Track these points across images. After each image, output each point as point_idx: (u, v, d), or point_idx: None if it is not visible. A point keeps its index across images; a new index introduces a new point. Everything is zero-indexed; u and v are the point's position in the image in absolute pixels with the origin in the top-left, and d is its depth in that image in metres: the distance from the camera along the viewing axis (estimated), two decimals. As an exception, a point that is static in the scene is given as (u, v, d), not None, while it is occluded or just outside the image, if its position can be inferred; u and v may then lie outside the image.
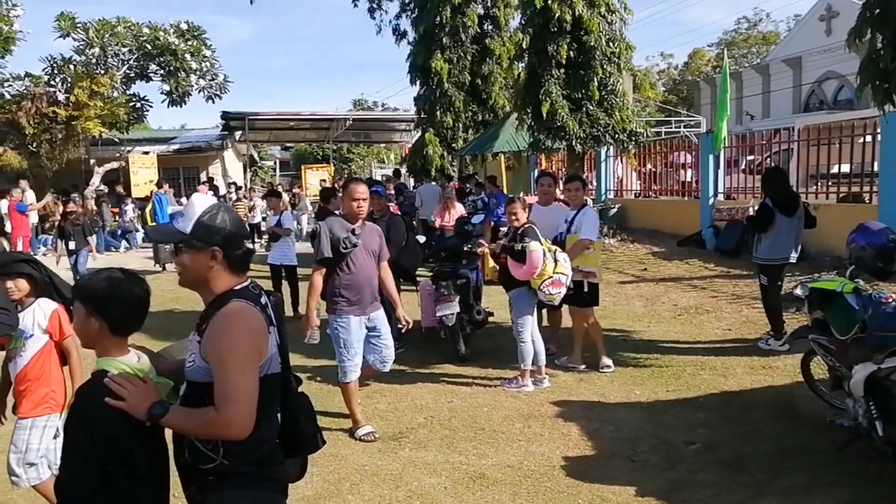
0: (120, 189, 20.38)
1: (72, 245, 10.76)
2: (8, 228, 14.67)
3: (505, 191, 14.43)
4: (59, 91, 19.95)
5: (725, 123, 11.61)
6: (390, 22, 19.65)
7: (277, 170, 42.58)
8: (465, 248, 7.12)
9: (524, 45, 12.53)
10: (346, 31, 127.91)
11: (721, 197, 12.04)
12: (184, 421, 2.01)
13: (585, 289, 6.07)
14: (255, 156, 33.53)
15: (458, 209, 11.28)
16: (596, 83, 11.79)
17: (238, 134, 26.75)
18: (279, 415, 2.23)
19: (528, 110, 12.27)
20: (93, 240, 11.38)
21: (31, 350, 3.55)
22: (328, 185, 20.40)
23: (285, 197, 16.06)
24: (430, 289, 6.94)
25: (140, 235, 18.17)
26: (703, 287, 9.27)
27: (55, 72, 20.22)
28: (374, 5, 19.41)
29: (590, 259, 6.03)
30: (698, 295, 8.89)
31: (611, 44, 11.95)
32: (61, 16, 19.63)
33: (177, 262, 2.21)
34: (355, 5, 19.60)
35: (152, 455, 2.10)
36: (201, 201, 2.19)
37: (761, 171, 11.93)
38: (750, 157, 13.47)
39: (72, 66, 19.95)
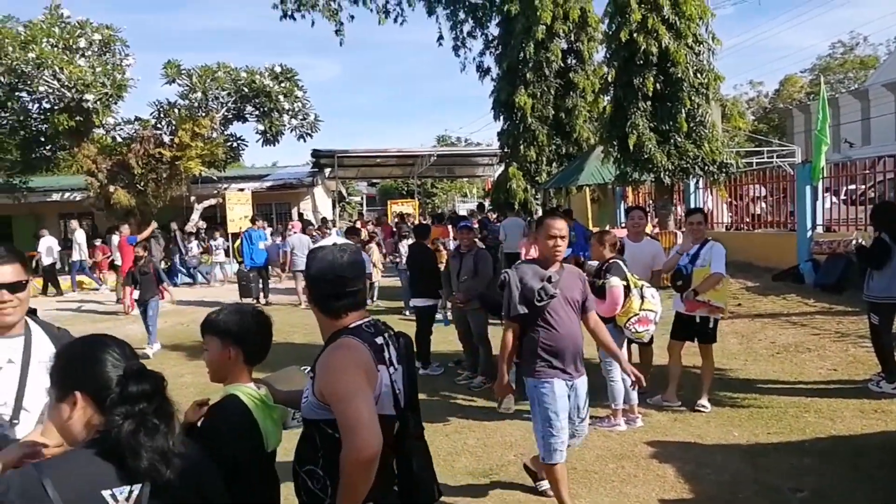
0: (190, 227, 21.29)
1: (138, 295, 9.98)
2: (118, 261, 15.66)
3: (591, 224, 14.30)
4: (165, 133, 21.25)
5: (825, 152, 11.17)
6: (474, 59, 20.05)
7: (364, 205, 43.72)
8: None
9: (609, 79, 12.51)
10: (429, 68, 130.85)
11: (820, 229, 11.52)
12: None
13: (711, 324, 5.98)
14: (344, 191, 34.58)
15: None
16: (684, 115, 11.62)
17: (328, 171, 27.69)
18: (394, 460, 2.19)
19: (614, 143, 12.20)
20: (169, 284, 10.74)
21: None
22: (412, 217, 20.76)
23: (365, 233, 16.54)
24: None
25: (219, 270, 19.31)
26: (803, 324, 8.85)
27: (161, 115, 21.59)
28: (459, 44, 19.84)
29: (720, 293, 5.91)
30: (798, 332, 8.50)
31: (699, 75, 11.77)
32: (168, 63, 21.01)
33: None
34: (440, 44, 20.09)
35: (268, 484, 2.21)
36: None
37: (864, 201, 11.34)
38: (851, 187, 12.87)
39: (176, 110, 21.25)
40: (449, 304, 8.07)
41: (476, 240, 9.13)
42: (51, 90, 19.46)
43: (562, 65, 17.90)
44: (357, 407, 1.99)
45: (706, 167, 11.87)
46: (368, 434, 1.96)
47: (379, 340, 2.19)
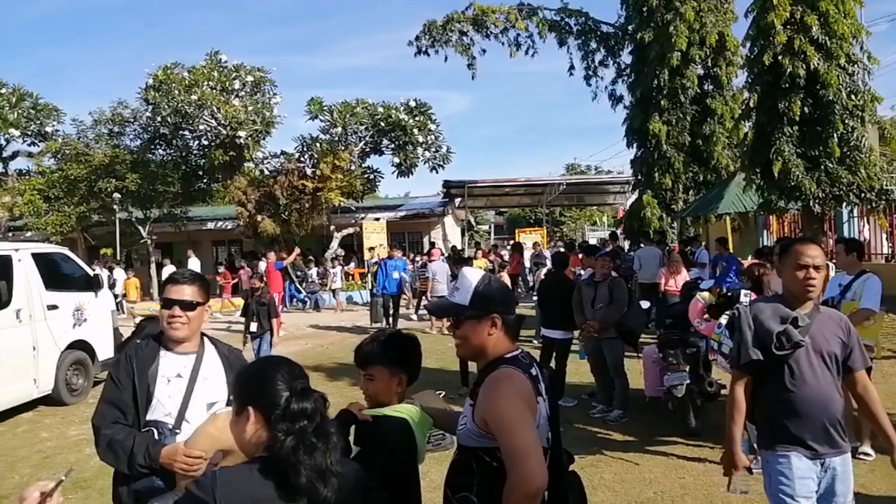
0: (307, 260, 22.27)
1: (253, 327, 9.40)
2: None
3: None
4: (307, 166, 22.63)
5: None
6: (606, 87, 19.87)
7: (492, 233, 44.10)
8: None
9: (751, 104, 12.01)
10: (559, 98, 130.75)
11: None
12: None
13: None
14: (472, 221, 35.07)
15: (684, 274, 10.89)
16: (836, 139, 10.92)
17: (458, 201, 28.28)
18: (546, 493, 2.16)
19: (757, 170, 11.64)
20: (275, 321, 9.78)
21: None
22: (540, 246, 20.67)
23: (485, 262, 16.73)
24: (656, 356, 6.76)
25: (334, 297, 20.22)
26: (981, 366, 7.99)
27: (304, 149, 23.04)
28: (590, 73, 19.75)
29: (869, 331, 5.42)
30: (975, 376, 7.68)
31: (853, 96, 11.03)
32: (311, 101, 22.47)
33: (458, 335, 2.29)
34: (571, 74, 20.10)
35: (417, 498, 2.32)
36: (472, 273, 2.32)
37: None
38: None
39: (318, 144, 22.60)
40: (576, 333, 7.88)
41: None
42: (209, 128, 21.34)
43: (698, 91, 17.39)
44: (525, 438, 2.01)
45: (862, 194, 11.06)
46: (536, 466, 1.98)
47: (533, 371, 2.23)
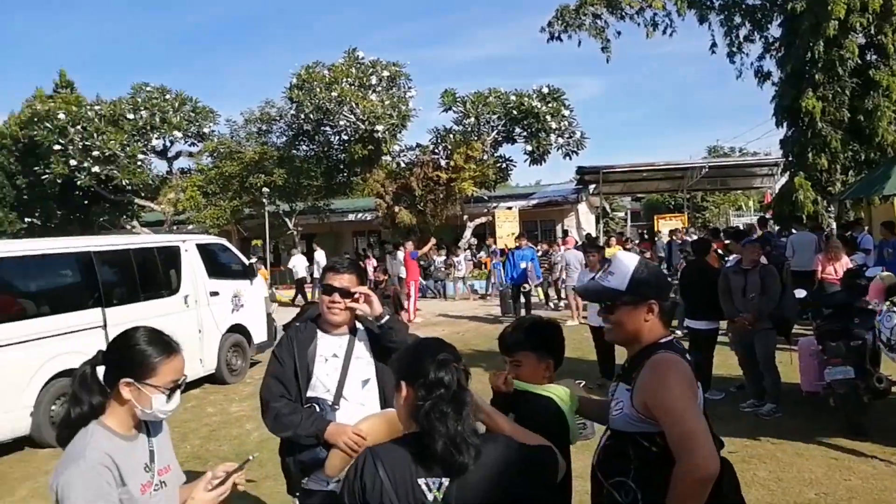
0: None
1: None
2: (402, 274, 17.24)
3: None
4: (441, 157, 22.98)
5: None
6: (752, 64, 18.65)
7: (628, 220, 42.83)
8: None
9: (925, 72, 10.84)
10: (698, 78, 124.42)
11: None
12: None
13: None
14: (607, 207, 34.27)
15: (844, 261, 10.06)
16: None
17: (592, 187, 27.70)
18: None
19: (933, 146, 10.52)
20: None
21: None
22: (679, 232, 19.81)
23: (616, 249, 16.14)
24: (815, 348, 6.31)
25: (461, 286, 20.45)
26: None
27: (438, 141, 23.38)
28: (734, 49, 18.61)
29: None
30: None
31: None
32: (445, 93, 22.73)
33: (612, 320, 2.27)
34: (713, 52, 19.04)
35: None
36: (628, 258, 2.28)
37: None
38: None
39: (451, 135, 22.87)
40: (722, 323, 7.48)
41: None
42: (348, 123, 22.18)
43: (859, 62, 15.91)
44: (695, 424, 1.98)
45: None
46: (708, 452, 1.95)
47: (688, 357, 2.19)
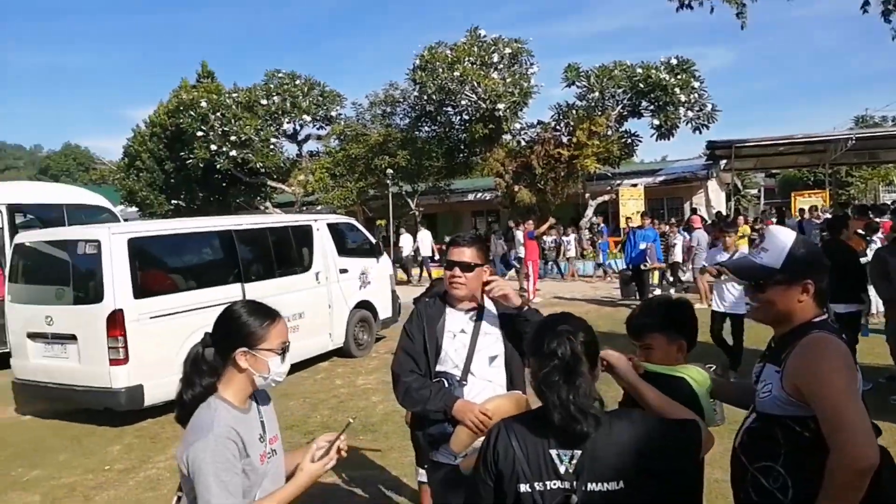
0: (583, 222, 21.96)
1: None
2: (521, 254, 17.20)
3: None
4: (563, 134, 22.59)
5: None
6: (911, 23, 16.89)
7: (762, 198, 40.40)
8: None
9: None
10: (843, 42, 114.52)
11: None
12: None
13: None
14: (739, 184, 32.46)
15: None
16: None
17: (723, 163, 26.29)
18: None
19: None
20: None
21: None
22: (817, 210, 18.44)
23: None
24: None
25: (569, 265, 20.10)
26: None
27: (560, 117, 22.99)
28: (890, 6, 16.92)
29: None
30: None
31: None
32: (568, 67, 22.26)
33: (762, 299, 2.15)
34: (865, 11, 17.40)
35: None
36: (784, 233, 2.15)
37: None
38: None
39: (574, 111, 22.41)
40: (874, 311, 6.97)
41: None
42: (469, 103, 22.24)
43: None
44: (855, 411, 1.88)
45: None
46: (868, 441, 1.84)
47: (843, 337, 2.08)
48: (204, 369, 2.17)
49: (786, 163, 31.42)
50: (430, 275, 20.02)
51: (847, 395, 1.89)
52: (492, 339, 2.98)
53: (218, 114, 24.24)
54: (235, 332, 2.12)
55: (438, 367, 2.94)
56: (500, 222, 27.89)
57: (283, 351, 2.15)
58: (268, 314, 2.17)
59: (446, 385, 2.89)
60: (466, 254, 2.95)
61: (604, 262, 20.62)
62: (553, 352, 1.83)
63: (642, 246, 13.85)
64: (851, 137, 24.22)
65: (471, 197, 28.26)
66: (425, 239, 21.46)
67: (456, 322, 2.98)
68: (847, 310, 6.97)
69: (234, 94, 25.36)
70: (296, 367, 9.15)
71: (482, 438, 2.59)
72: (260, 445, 2.13)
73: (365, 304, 10.41)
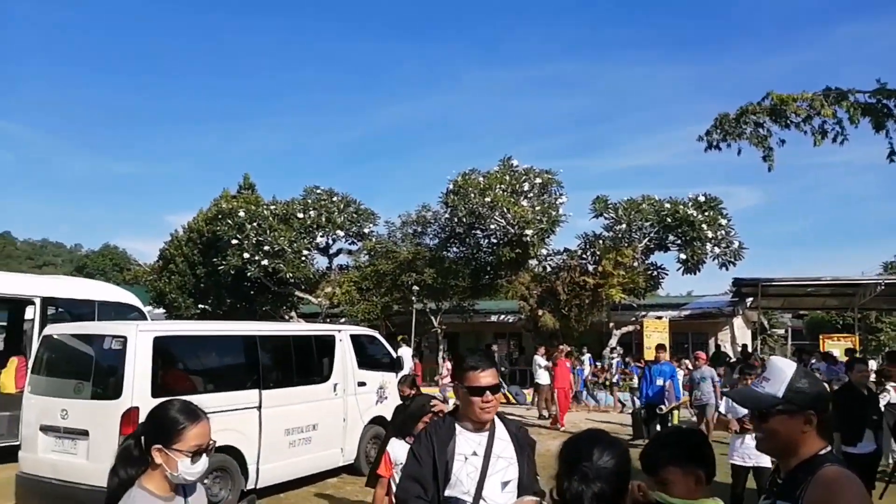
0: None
1: None
2: (540, 379, 16.94)
3: None
4: (589, 263, 22.78)
5: None
6: (936, 174, 17.21)
7: (789, 338, 39.67)
8: None
9: None
10: (870, 189, 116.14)
11: None
12: None
13: None
14: (766, 323, 32.05)
15: None
16: None
17: (749, 301, 26.12)
18: None
19: None
20: None
21: None
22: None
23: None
24: None
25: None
26: None
27: (587, 246, 23.28)
28: (915, 158, 17.29)
29: None
30: None
31: None
32: (597, 199, 22.78)
33: (766, 429, 2.16)
34: (891, 161, 17.79)
35: None
36: (785, 364, 2.18)
37: None
38: None
39: (601, 241, 22.71)
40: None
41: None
42: (498, 227, 22.70)
43: None
44: None
45: None
46: None
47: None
48: (133, 460, 2.32)
49: (814, 304, 31.12)
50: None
51: None
52: (504, 462, 2.87)
53: (255, 224, 25.01)
54: (155, 429, 2.30)
55: (447, 492, 2.83)
56: (522, 346, 27.69)
57: (198, 453, 2.29)
58: (190, 416, 2.33)
59: None
60: (491, 376, 2.88)
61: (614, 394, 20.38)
62: (577, 497, 1.83)
63: (660, 382, 12.73)
64: (881, 283, 24.04)
65: (494, 318, 28.23)
66: (406, 355, 21.14)
67: (467, 444, 2.88)
68: (863, 451, 6.81)
69: (272, 206, 26.25)
70: (303, 482, 8.92)
71: None
72: None
73: (380, 420, 10.22)
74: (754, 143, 18.52)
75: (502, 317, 27.75)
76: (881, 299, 26.00)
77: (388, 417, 10.33)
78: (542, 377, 17.46)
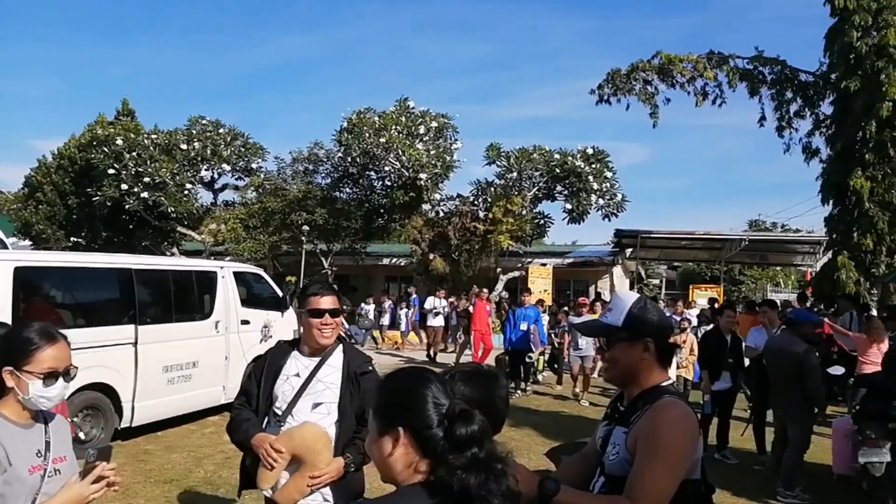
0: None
1: None
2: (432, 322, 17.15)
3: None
4: (480, 209, 23.19)
5: None
6: (800, 140, 18.58)
7: (663, 288, 42.28)
8: None
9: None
10: (744, 152, 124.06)
11: None
12: (584, 501, 1.92)
13: None
14: (643, 273, 33.93)
15: (887, 344, 9.75)
16: None
17: (629, 251, 27.51)
18: None
19: None
20: None
21: None
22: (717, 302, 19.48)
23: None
24: (849, 429, 6.09)
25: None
26: None
27: (479, 193, 23.64)
28: (784, 124, 18.60)
29: None
30: None
31: None
32: (490, 146, 23.09)
33: (607, 357, 2.21)
34: (761, 125, 19.03)
35: None
36: (627, 295, 2.25)
37: None
38: None
39: (492, 188, 23.10)
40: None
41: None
42: (393, 170, 22.59)
43: (911, 144, 15.73)
44: (661, 479, 1.94)
45: None
46: None
47: (688, 402, 2.20)
48: None
49: (686, 257, 33.22)
50: None
51: (673, 465, 1.95)
52: (322, 387, 3.03)
53: (134, 153, 23.58)
54: (7, 350, 2.21)
55: (268, 407, 3.07)
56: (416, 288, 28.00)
57: (52, 376, 2.19)
58: (45, 337, 2.22)
59: (264, 423, 3.04)
60: (331, 301, 3.05)
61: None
62: (472, 437, 1.47)
63: (524, 327, 11.74)
64: (745, 239, 25.96)
65: (386, 261, 28.28)
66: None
67: (295, 366, 3.09)
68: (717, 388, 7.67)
69: (154, 136, 24.80)
70: (184, 419, 8.71)
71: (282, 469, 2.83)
72: (35, 460, 2.19)
73: (265, 359, 10.09)
74: (642, 99, 19.32)
75: (394, 260, 27.84)
76: (745, 254, 28.14)
77: (273, 356, 10.26)
78: (436, 320, 17.67)
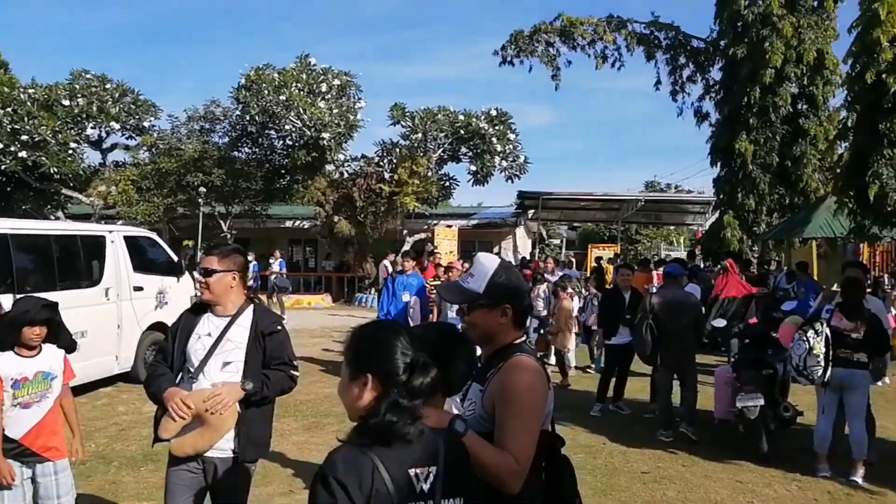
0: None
1: None
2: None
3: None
4: (386, 170, 22.96)
5: None
6: (692, 104, 19.44)
7: (563, 248, 43.54)
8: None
9: (849, 124, 11.49)
10: (641, 115, 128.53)
11: None
12: (480, 449, 1.98)
13: None
14: (544, 233, 34.77)
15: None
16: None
17: (531, 212, 28.08)
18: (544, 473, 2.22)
19: (851, 193, 11.11)
20: None
21: (56, 391, 3.76)
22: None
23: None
24: (729, 377, 6.51)
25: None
26: None
27: (384, 154, 23.38)
28: (677, 88, 19.37)
29: None
30: None
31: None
32: (394, 106, 22.75)
33: (468, 321, 2.30)
34: (657, 89, 19.74)
35: None
36: (489, 260, 2.31)
37: None
38: None
39: (397, 149, 22.89)
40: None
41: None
42: (294, 129, 21.93)
43: (790, 110, 16.76)
44: (534, 432, 2.07)
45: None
46: (521, 467, 2.01)
47: (537, 356, 2.31)
48: None
49: (586, 217, 34.28)
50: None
51: (530, 420, 2.07)
52: (231, 346, 3.15)
53: (9, 109, 21.77)
54: None
55: (181, 364, 3.19)
56: (317, 251, 27.61)
57: None
58: None
59: (177, 379, 3.14)
60: (211, 261, 3.18)
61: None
62: (427, 386, 1.74)
63: (405, 297, 9.49)
64: (641, 199, 27.02)
65: (288, 224, 27.64)
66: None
67: (206, 326, 3.19)
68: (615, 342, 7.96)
69: (31, 90, 22.95)
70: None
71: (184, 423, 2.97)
72: None
73: (160, 326, 9.68)
74: (545, 61, 19.61)
75: (297, 222, 27.22)
76: (641, 214, 29.32)
77: (170, 323, 9.87)
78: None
